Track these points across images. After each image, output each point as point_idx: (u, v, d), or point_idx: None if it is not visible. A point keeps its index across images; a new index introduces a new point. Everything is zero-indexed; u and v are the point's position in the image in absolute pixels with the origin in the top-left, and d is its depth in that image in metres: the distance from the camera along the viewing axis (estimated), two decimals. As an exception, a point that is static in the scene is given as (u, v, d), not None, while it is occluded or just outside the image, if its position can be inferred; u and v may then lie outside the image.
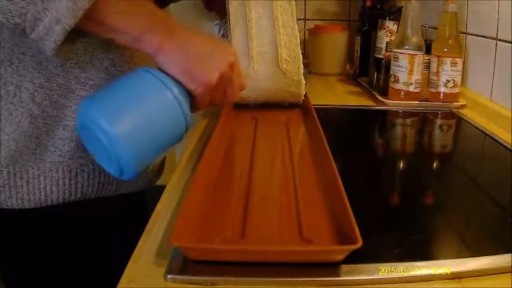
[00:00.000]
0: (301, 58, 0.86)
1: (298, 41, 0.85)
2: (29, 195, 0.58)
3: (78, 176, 0.60)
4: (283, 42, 0.83)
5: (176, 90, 0.50)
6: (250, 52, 0.83)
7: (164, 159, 0.78)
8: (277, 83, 0.86)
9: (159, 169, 0.74)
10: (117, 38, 0.51)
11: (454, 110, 0.98)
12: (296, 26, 0.84)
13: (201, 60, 0.52)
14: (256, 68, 0.84)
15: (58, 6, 0.45)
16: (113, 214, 0.67)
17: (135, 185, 0.67)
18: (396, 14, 1.13)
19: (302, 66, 0.86)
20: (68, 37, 0.47)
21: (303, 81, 0.87)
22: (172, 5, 1.01)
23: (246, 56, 0.84)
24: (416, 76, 0.99)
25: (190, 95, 0.53)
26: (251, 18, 0.83)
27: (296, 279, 0.41)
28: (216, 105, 0.58)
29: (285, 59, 0.84)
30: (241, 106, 0.89)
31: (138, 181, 0.67)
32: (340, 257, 0.41)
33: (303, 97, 0.90)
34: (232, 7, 0.84)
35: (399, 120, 0.99)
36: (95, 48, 0.57)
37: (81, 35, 0.54)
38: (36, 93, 0.55)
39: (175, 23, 0.53)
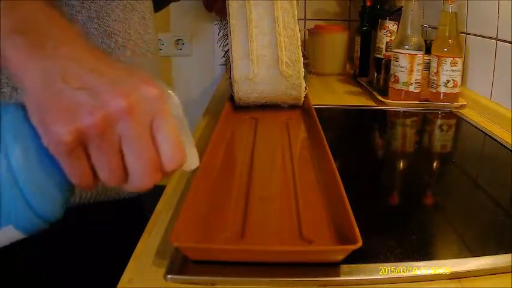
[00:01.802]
0: (302, 61, 0.85)
1: (299, 43, 0.84)
2: None
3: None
4: (283, 45, 0.83)
5: (17, 157, 0.33)
6: (251, 54, 0.83)
7: None
8: (277, 86, 0.86)
9: None
10: None
11: (454, 110, 0.98)
12: (297, 28, 0.84)
13: (64, 96, 0.32)
14: (256, 70, 0.83)
15: None
16: (112, 214, 0.67)
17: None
18: (396, 14, 1.13)
19: (303, 69, 0.86)
20: None
21: (303, 85, 0.87)
22: (172, 5, 1.01)
23: (246, 59, 0.83)
24: (416, 76, 0.99)
25: None
26: (251, 20, 0.83)
27: (296, 279, 0.41)
28: (113, 185, 0.35)
29: (286, 62, 0.83)
30: (241, 106, 0.89)
31: None
32: (340, 257, 0.41)
33: (303, 99, 0.90)
34: (233, 8, 0.84)
35: (399, 120, 0.99)
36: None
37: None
38: None
39: (62, 29, 0.36)
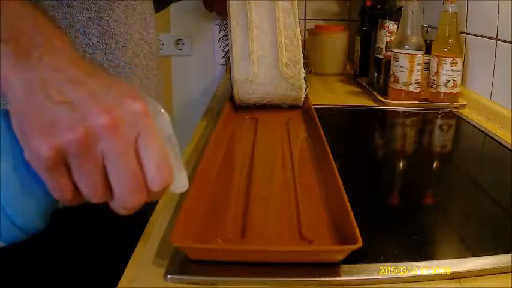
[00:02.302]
0: (302, 62, 0.85)
1: (300, 44, 0.84)
2: None
3: None
4: (284, 46, 0.83)
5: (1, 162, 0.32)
6: (251, 55, 0.83)
7: None
8: (277, 87, 0.86)
9: None
10: None
11: (454, 110, 0.98)
12: (298, 29, 0.84)
13: (45, 109, 0.31)
14: (257, 71, 0.83)
15: None
16: (112, 214, 0.67)
17: None
18: (396, 14, 1.13)
19: (303, 70, 0.85)
20: None
21: (304, 85, 0.86)
22: (172, 5, 1.01)
23: (246, 60, 0.83)
24: (416, 76, 0.99)
25: None
26: (252, 20, 0.82)
27: (296, 279, 0.41)
28: (97, 201, 0.35)
29: (286, 63, 0.83)
30: (241, 107, 0.89)
31: None
32: (340, 257, 0.41)
33: (303, 99, 0.90)
34: (233, 9, 0.84)
35: (399, 120, 0.99)
36: (95, 49, 0.57)
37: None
38: None
39: (48, 36, 0.34)
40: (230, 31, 0.84)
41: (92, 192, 0.33)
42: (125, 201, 0.34)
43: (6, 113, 0.33)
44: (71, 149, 0.31)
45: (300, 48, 0.84)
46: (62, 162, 0.32)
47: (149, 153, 0.33)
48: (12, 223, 0.33)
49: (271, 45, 0.83)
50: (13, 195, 0.32)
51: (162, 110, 0.35)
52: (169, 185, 0.34)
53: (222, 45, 0.96)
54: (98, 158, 0.32)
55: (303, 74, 0.85)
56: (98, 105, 0.31)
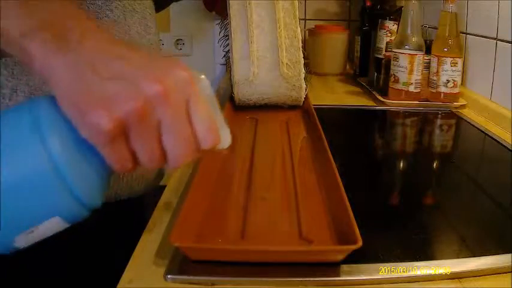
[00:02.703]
0: (303, 62, 0.85)
1: (300, 44, 0.84)
2: None
3: None
4: (284, 46, 0.83)
5: (56, 147, 0.33)
6: (251, 56, 0.82)
7: None
8: (277, 87, 0.85)
9: (159, 172, 0.74)
10: (5, 46, 0.36)
11: (454, 110, 0.98)
12: (298, 29, 0.84)
13: (98, 87, 0.32)
14: (257, 72, 0.83)
15: None
16: (112, 214, 0.67)
17: (133, 188, 0.67)
18: (396, 14, 1.13)
19: (303, 70, 0.85)
20: None
21: (304, 86, 0.86)
22: (172, 5, 1.01)
23: (246, 60, 0.83)
24: (416, 76, 0.99)
25: None
26: (252, 21, 0.82)
27: (296, 279, 0.41)
28: (154, 167, 0.36)
29: (286, 63, 0.83)
30: (241, 106, 0.89)
31: (136, 185, 0.67)
32: (340, 257, 0.41)
33: (303, 99, 0.90)
34: (233, 9, 0.83)
35: (399, 120, 0.99)
36: None
37: None
38: (32, 96, 0.55)
39: (82, 24, 0.36)
40: (230, 31, 0.84)
41: (150, 158, 0.35)
42: (178, 162, 0.36)
43: (48, 99, 0.34)
44: (131, 119, 0.33)
45: (301, 49, 0.84)
46: (122, 134, 0.33)
47: (198, 116, 0.35)
48: (77, 200, 0.34)
49: (271, 46, 0.83)
50: (75, 172, 0.33)
51: (202, 76, 0.37)
52: (218, 143, 0.37)
53: (222, 45, 0.96)
54: (154, 125, 0.34)
55: (303, 75, 0.85)
56: (149, 77, 0.33)
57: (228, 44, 0.88)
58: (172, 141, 0.35)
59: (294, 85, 0.85)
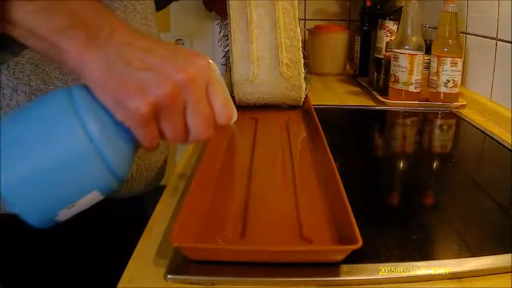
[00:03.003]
0: (303, 62, 0.85)
1: (300, 44, 0.84)
2: None
3: None
4: (284, 46, 0.82)
5: (94, 125, 0.37)
6: (251, 56, 0.82)
7: (165, 162, 0.78)
8: (277, 87, 0.85)
9: (159, 172, 0.74)
10: (37, 45, 0.39)
11: (454, 110, 0.98)
12: (298, 29, 0.84)
13: (131, 76, 0.37)
14: (257, 72, 0.83)
15: None
16: (112, 214, 0.67)
17: (133, 188, 0.67)
18: (396, 14, 1.13)
19: (303, 70, 0.85)
20: None
21: (304, 86, 0.86)
22: (172, 5, 1.01)
23: (246, 60, 0.83)
24: (416, 76, 0.99)
25: None
26: (252, 21, 0.82)
27: (296, 279, 0.41)
28: (178, 143, 0.42)
29: (286, 63, 0.83)
30: (241, 106, 0.89)
31: (136, 184, 0.67)
32: (340, 257, 0.41)
33: (303, 99, 0.90)
34: (233, 9, 0.83)
35: (399, 120, 0.99)
36: None
37: None
38: (33, 96, 0.55)
39: (109, 20, 0.40)
40: (230, 31, 0.84)
41: (176, 135, 0.40)
42: (199, 137, 0.41)
43: (80, 87, 0.38)
44: (162, 102, 0.38)
45: (300, 49, 0.84)
46: (154, 116, 0.38)
47: (216, 97, 0.41)
48: (113, 174, 0.39)
49: (271, 46, 0.83)
50: (112, 149, 0.38)
51: (210, 60, 0.42)
52: (231, 119, 0.44)
53: (222, 45, 0.96)
54: (181, 106, 0.39)
55: (303, 75, 0.85)
56: (174, 66, 0.38)
57: (227, 44, 0.88)
58: (196, 119, 0.40)
59: (294, 85, 0.85)
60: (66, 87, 0.39)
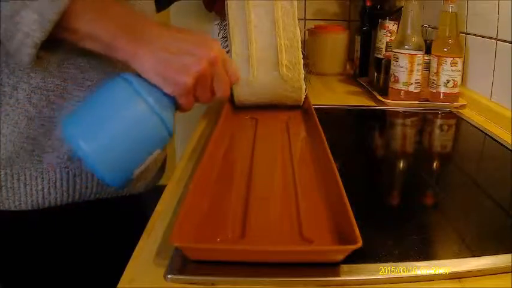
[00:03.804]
0: (302, 63, 0.84)
1: (300, 45, 0.83)
2: (26, 197, 0.58)
3: (76, 177, 0.60)
4: (284, 47, 0.82)
5: (151, 99, 0.50)
6: (250, 58, 0.82)
7: (165, 161, 0.78)
8: (276, 88, 0.85)
9: (159, 171, 0.74)
10: (92, 45, 0.51)
11: (454, 110, 0.98)
12: (297, 30, 0.83)
13: (175, 61, 0.51)
14: (256, 73, 0.82)
15: (26, 20, 0.47)
16: (112, 214, 0.67)
17: (134, 186, 0.67)
18: (396, 14, 1.13)
19: (303, 71, 0.84)
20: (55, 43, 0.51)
21: (303, 87, 0.86)
22: (172, 6, 1.01)
23: (245, 61, 0.82)
24: (416, 76, 0.99)
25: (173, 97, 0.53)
26: (251, 21, 0.82)
27: (296, 279, 0.41)
28: (207, 103, 0.57)
29: (286, 64, 0.82)
30: (241, 107, 0.89)
31: (136, 183, 0.67)
32: (340, 257, 0.41)
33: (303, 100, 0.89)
34: (232, 9, 0.83)
35: (399, 120, 0.99)
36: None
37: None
38: (32, 94, 0.55)
39: (145, 21, 0.53)
40: (229, 32, 0.83)
41: (207, 97, 0.56)
42: (222, 95, 0.57)
43: (130, 75, 0.51)
44: (200, 76, 0.52)
45: (300, 49, 0.83)
46: (194, 86, 0.53)
47: (230, 67, 0.57)
48: (170, 135, 0.52)
49: (270, 47, 0.83)
50: (166, 111, 0.51)
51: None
52: (239, 78, 0.61)
53: (222, 46, 0.95)
54: (210, 77, 0.54)
55: (303, 76, 0.85)
56: (204, 48, 0.53)
57: (227, 45, 0.87)
58: (220, 84, 0.56)
59: (294, 86, 0.85)
60: (118, 76, 0.51)
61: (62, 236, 0.63)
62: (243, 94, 0.86)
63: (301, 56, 0.83)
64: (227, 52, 0.89)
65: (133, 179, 0.51)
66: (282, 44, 0.82)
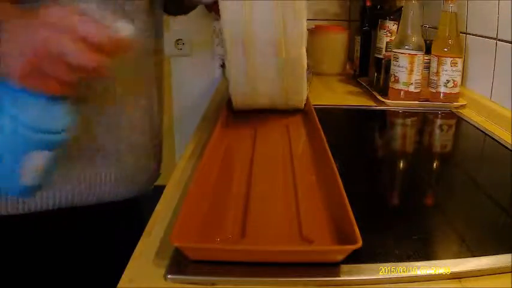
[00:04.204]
0: (306, 74, 0.79)
1: (305, 62, 0.75)
2: (18, 201, 0.58)
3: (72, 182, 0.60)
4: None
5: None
6: (250, 71, 0.75)
7: (159, 163, 0.77)
8: (277, 97, 0.81)
9: (152, 174, 0.73)
10: None
11: (454, 110, 0.98)
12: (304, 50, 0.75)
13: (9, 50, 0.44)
14: (255, 86, 0.79)
15: None
16: (112, 214, 0.67)
17: (126, 191, 0.67)
18: (396, 14, 1.13)
19: (306, 82, 0.80)
20: None
21: (305, 93, 0.83)
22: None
23: (243, 72, 0.75)
24: (416, 76, 0.99)
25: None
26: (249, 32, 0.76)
27: (296, 279, 0.41)
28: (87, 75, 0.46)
29: (288, 74, 0.78)
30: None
31: (128, 186, 0.67)
32: (340, 257, 0.41)
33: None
34: (227, 20, 0.75)
35: (399, 120, 0.99)
36: None
37: None
38: None
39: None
40: (225, 41, 0.74)
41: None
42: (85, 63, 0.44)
43: None
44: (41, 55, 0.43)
45: (305, 66, 0.76)
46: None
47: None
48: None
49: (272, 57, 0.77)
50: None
51: None
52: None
53: (221, 46, 0.94)
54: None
55: (306, 84, 0.82)
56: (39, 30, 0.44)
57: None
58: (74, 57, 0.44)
59: (295, 92, 0.82)
60: None
61: (62, 235, 0.63)
62: (242, 104, 0.84)
63: (306, 66, 0.78)
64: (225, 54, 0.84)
65: (39, 185, 0.49)
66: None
